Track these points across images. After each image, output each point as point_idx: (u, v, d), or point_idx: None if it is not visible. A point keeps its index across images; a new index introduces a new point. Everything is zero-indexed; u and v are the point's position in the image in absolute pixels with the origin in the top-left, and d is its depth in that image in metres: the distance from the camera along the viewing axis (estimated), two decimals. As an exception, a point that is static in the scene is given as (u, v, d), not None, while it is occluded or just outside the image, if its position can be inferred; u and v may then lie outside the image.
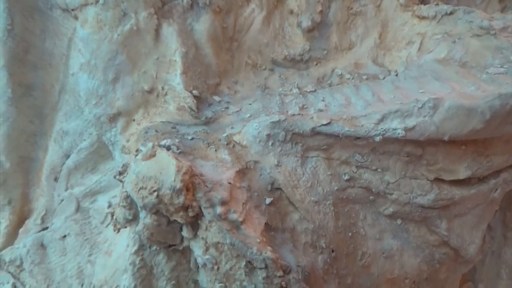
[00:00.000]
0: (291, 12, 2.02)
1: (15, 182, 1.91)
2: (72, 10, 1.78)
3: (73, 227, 1.76)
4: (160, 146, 1.45)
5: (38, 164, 1.94)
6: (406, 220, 1.65)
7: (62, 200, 1.85)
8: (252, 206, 1.40)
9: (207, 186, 1.32)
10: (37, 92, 1.88)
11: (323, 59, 2.04)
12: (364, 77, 1.94)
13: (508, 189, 1.78)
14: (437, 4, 2.01)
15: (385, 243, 1.65)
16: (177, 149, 1.47)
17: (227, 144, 1.58)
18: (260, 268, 1.28)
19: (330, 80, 1.97)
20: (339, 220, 1.56)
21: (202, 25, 1.83)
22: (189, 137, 1.60)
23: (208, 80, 1.83)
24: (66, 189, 1.86)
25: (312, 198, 1.52)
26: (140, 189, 1.29)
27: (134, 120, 1.76)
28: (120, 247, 1.62)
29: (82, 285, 1.67)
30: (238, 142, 1.57)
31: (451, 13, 1.91)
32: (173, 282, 1.44)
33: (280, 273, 1.28)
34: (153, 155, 1.36)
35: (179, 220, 1.29)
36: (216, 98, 1.81)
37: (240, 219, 1.30)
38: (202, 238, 1.31)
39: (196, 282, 1.46)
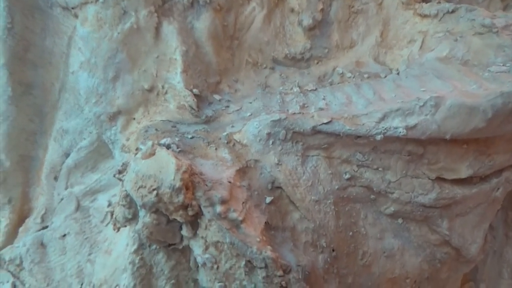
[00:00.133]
0: (292, 10, 2.01)
1: (15, 181, 1.91)
2: (72, 8, 1.77)
3: (73, 226, 1.76)
4: (160, 144, 1.44)
5: (38, 163, 1.94)
6: (407, 219, 1.64)
7: (62, 199, 1.84)
8: (252, 205, 1.40)
9: (206, 185, 1.31)
10: (37, 90, 1.88)
11: (324, 58, 2.03)
12: (366, 75, 1.93)
13: (510, 188, 1.77)
14: (439, 2, 2.00)
15: (386, 242, 1.64)
16: (177, 148, 1.47)
17: (227, 143, 1.57)
18: (260, 268, 1.27)
19: (331, 78, 1.96)
20: (340, 219, 1.56)
21: (203, 23, 1.82)
22: (189, 136, 1.59)
23: (209, 79, 1.82)
24: (66, 188, 1.86)
25: (312, 197, 1.51)
26: (139, 187, 1.28)
27: (134, 118, 1.75)
28: (120, 246, 1.61)
29: (82, 284, 1.67)
30: (238, 140, 1.56)
31: (453, 11, 1.90)
32: (172, 281, 1.43)
33: (280, 272, 1.27)
34: (152, 154, 1.35)
35: (178, 219, 1.29)
36: (217, 96, 1.80)
37: (240, 218, 1.30)
38: (202, 237, 1.31)
39: (196, 281, 1.45)
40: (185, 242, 1.37)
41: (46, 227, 1.82)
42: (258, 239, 1.28)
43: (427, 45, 1.91)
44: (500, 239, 2.17)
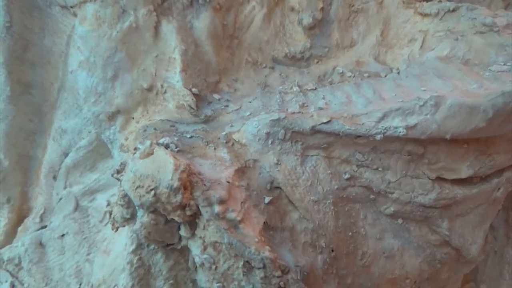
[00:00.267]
0: (292, 9, 2.00)
1: (14, 181, 1.91)
2: (71, 7, 1.77)
3: (71, 226, 1.76)
4: (158, 144, 1.44)
5: (37, 163, 1.94)
6: (407, 219, 1.63)
7: (61, 199, 1.84)
8: (250, 205, 1.39)
9: (205, 185, 1.30)
10: (36, 90, 1.88)
11: (324, 57, 2.02)
12: (366, 75, 1.92)
13: (511, 188, 1.75)
14: (440, 1, 1.99)
15: (385, 242, 1.63)
16: (176, 148, 1.46)
17: (226, 142, 1.56)
18: (258, 268, 1.26)
19: (331, 78, 1.95)
20: (339, 219, 1.55)
21: (202, 22, 1.81)
22: (188, 136, 1.58)
23: (208, 78, 1.82)
24: (65, 188, 1.86)
25: (311, 197, 1.50)
26: (137, 187, 1.27)
27: (133, 118, 1.75)
28: (118, 246, 1.61)
29: (80, 284, 1.67)
30: (237, 140, 1.55)
31: (454, 10, 1.89)
32: (171, 281, 1.43)
33: (278, 273, 1.26)
34: (150, 153, 1.35)
35: (176, 219, 1.28)
36: (216, 96, 1.79)
37: (238, 218, 1.29)
38: (200, 237, 1.30)
39: (194, 281, 1.44)
40: (183, 242, 1.37)
41: (45, 226, 1.81)
42: (256, 239, 1.28)
43: (427, 44, 1.90)
44: (501, 240, 2.15)
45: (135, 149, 1.47)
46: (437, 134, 1.49)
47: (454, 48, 1.78)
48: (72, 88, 1.82)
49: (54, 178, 1.89)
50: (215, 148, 1.53)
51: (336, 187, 1.55)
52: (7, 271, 1.74)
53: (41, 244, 1.75)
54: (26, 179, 1.94)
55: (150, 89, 1.73)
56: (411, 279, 1.68)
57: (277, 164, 1.50)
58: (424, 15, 1.95)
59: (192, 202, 1.27)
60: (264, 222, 1.38)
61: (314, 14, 1.96)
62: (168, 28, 1.74)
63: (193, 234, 1.32)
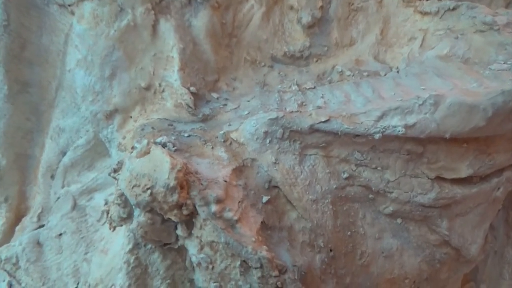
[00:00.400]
0: (291, 7, 1.98)
1: (11, 180, 1.90)
2: (69, 5, 1.76)
3: (69, 225, 1.75)
4: (155, 143, 1.43)
5: (34, 162, 1.93)
6: (406, 219, 1.62)
7: (59, 198, 1.83)
8: (248, 205, 1.38)
9: (202, 184, 1.29)
10: (33, 89, 1.87)
11: (324, 56, 2.01)
12: (365, 73, 1.90)
13: (511, 187, 1.74)
14: (440, 0, 1.98)
15: (384, 242, 1.62)
16: (173, 146, 1.45)
17: (224, 141, 1.55)
18: (255, 268, 1.25)
19: (330, 77, 1.94)
20: (338, 219, 1.54)
21: (200, 21, 1.80)
22: (186, 134, 1.57)
23: (206, 77, 1.81)
24: (63, 187, 1.85)
25: (310, 197, 1.49)
26: (133, 186, 1.27)
27: (131, 117, 1.74)
28: (116, 245, 1.60)
29: (78, 283, 1.66)
30: (235, 139, 1.55)
31: (454, 9, 1.87)
32: (168, 281, 1.42)
33: (275, 272, 1.26)
34: (147, 152, 1.34)
35: (173, 218, 1.27)
36: (214, 95, 1.78)
37: (236, 218, 1.28)
38: (197, 237, 1.29)
39: (192, 281, 1.44)
40: (180, 242, 1.36)
41: (43, 226, 1.81)
42: (253, 239, 1.27)
43: (427, 43, 1.89)
44: (501, 239, 2.14)
45: (132, 148, 1.46)
46: (436, 133, 1.48)
47: (454, 47, 1.77)
48: (70, 87, 1.81)
49: (52, 177, 1.88)
50: (212, 147, 1.52)
51: (334, 186, 1.54)
52: (5, 270, 1.73)
53: (38, 243, 1.74)
54: (23, 178, 1.93)
55: (148, 88, 1.73)
56: (410, 279, 1.67)
57: (275, 163, 1.49)
58: (424, 13, 1.94)
59: (188, 202, 1.26)
60: (261, 222, 1.38)
61: (313, 12, 1.95)
62: (166, 27, 1.73)
63: (190, 234, 1.31)
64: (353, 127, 1.48)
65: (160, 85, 1.73)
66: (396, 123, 1.48)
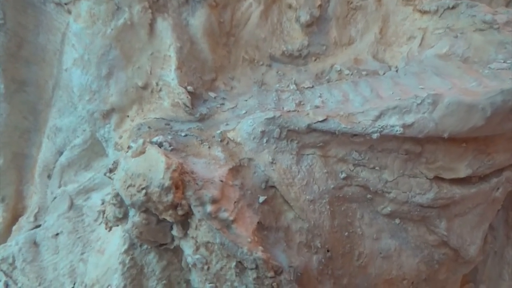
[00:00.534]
0: (290, 6, 1.97)
1: (8, 179, 1.90)
2: (65, 4, 1.75)
3: (66, 225, 1.74)
4: (151, 142, 1.42)
5: (32, 161, 1.92)
6: (405, 219, 1.61)
7: (55, 198, 1.82)
8: (244, 205, 1.37)
9: (197, 184, 1.28)
10: (30, 88, 1.86)
11: (322, 55, 1.99)
12: (364, 73, 1.89)
13: (510, 188, 1.73)
14: (439, -2, 1.96)
15: (382, 242, 1.61)
16: (170, 146, 1.44)
17: (221, 141, 1.54)
18: (251, 269, 1.24)
19: (328, 76, 1.93)
20: (335, 219, 1.53)
21: (198, 19, 1.79)
22: (183, 134, 1.56)
23: (204, 76, 1.80)
24: (59, 186, 1.84)
25: (307, 197, 1.48)
26: (128, 186, 1.26)
27: (128, 116, 1.73)
28: (112, 245, 1.59)
29: (74, 283, 1.65)
30: (232, 139, 1.53)
31: (453, 7, 1.86)
32: (164, 281, 1.42)
33: (271, 273, 1.25)
34: (143, 152, 1.33)
35: (168, 218, 1.26)
36: (212, 94, 1.77)
37: (231, 218, 1.27)
38: (192, 237, 1.28)
39: (188, 281, 1.43)
40: (176, 242, 1.35)
41: (39, 225, 1.80)
42: (249, 240, 1.26)
43: (427, 41, 1.88)
44: (500, 240, 2.13)
45: (128, 147, 1.45)
46: (434, 133, 1.47)
47: (453, 46, 1.76)
48: (66, 86, 1.80)
49: (49, 176, 1.87)
50: (209, 147, 1.51)
51: (332, 186, 1.53)
52: (1, 270, 1.73)
53: (35, 243, 1.73)
54: (20, 177, 1.93)
55: (145, 87, 1.72)
56: (408, 280, 1.66)
57: (272, 163, 1.48)
58: (423, 12, 1.93)
59: (184, 202, 1.25)
60: (258, 222, 1.36)
61: (311, 11, 1.93)
62: (164, 26, 1.72)
63: (185, 234, 1.30)
64: (351, 127, 1.47)
65: (157, 84, 1.72)
66: (394, 123, 1.46)
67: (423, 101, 1.46)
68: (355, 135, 1.49)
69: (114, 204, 1.36)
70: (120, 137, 1.69)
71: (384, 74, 1.84)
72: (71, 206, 1.78)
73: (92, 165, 1.85)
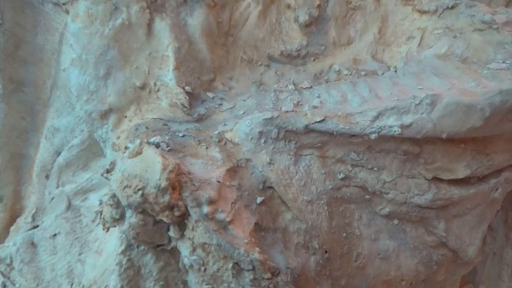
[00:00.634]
0: (288, 6, 1.96)
1: (6, 179, 1.90)
2: (63, 4, 1.74)
3: (63, 226, 1.74)
4: (148, 143, 1.41)
5: (29, 161, 1.92)
6: (403, 220, 1.60)
7: (53, 198, 1.82)
8: (241, 206, 1.36)
9: (194, 185, 1.28)
10: (28, 88, 1.86)
11: (321, 55, 1.99)
12: (363, 73, 1.89)
13: (510, 188, 1.72)
14: (439, -2, 1.95)
15: (381, 243, 1.60)
16: (167, 147, 1.43)
17: (218, 141, 1.53)
18: (248, 270, 1.24)
19: (327, 76, 1.92)
20: (333, 220, 1.52)
21: (196, 19, 1.78)
22: (180, 134, 1.56)
23: (202, 76, 1.79)
24: (57, 187, 1.84)
25: (305, 198, 1.48)
26: (125, 187, 1.25)
27: (126, 116, 1.72)
28: (110, 246, 1.59)
29: (72, 284, 1.65)
30: (230, 139, 1.53)
31: (452, 7, 1.85)
32: (161, 282, 1.41)
33: (268, 275, 1.24)
34: (140, 153, 1.32)
35: (164, 219, 1.26)
36: (210, 94, 1.77)
37: (228, 219, 1.26)
38: (189, 238, 1.28)
39: (185, 282, 1.42)
40: (173, 243, 1.34)
41: (37, 226, 1.80)
42: (246, 241, 1.25)
43: (425, 41, 1.87)
44: (500, 241, 2.12)
45: (126, 148, 1.45)
46: (433, 133, 1.46)
47: (452, 46, 1.75)
48: (64, 86, 1.80)
49: (47, 177, 1.87)
50: (207, 147, 1.51)
51: (330, 187, 1.52)
52: (-1, 271, 1.73)
53: (32, 244, 1.73)
54: (18, 178, 1.93)
55: (143, 87, 1.71)
56: (407, 281, 1.65)
57: (270, 163, 1.48)
58: (423, 12, 1.92)
59: (180, 203, 1.24)
60: (255, 223, 1.36)
61: (310, 11, 1.93)
62: (162, 26, 1.72)
63: (182, 235, 1.29)
64: (349, 127, 1.47)
65: (155, 84, 1.71)
66: (392, 123, 1.46)
67: (421, 101, 1.45)
68: (353, 135, 1.48)
69: (111, 205, 1.36)
70: (118, 138, 1.69)
71: (383, 74, 1.83)
72: (69, 206, 1.78)
73: (90, 166, 1.84)
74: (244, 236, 1.26)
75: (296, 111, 1.55)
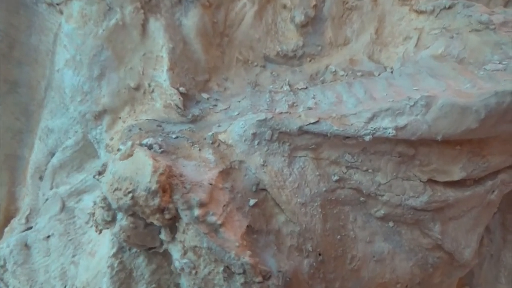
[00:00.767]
0: (284, 6, 1.95)
1: (0, 181, 1.89)
2: (57, 4, 1.73)
3: (57, 227, 1.73)
4: (141, 145, 1.40)
5: (24, 162, 1.91)
6: (398, 222, 1.59)
7: (47, 200, 1.81)
8: (234, 208, 1.35)
9: (185, 187, 1.27)
10: (22, 89, 1.85)
11: (317, 55, 1.97)
12: (359, 73, 1.87)
13: (506, 190, 1.70)
14: (436, -2, 1.94)
15: (376, 246, 1.59)
16: (160, 148, 1.42)
17: (212, 143, 1.52)
18: (239, 273, 1.23)
19: (323, 76, 1.91)
20: (327, 222, 1.51)
21: (191, 20, 1.77)
22: (173, 136, 1.55)
23: (197, 77, 1.78)
24: (51, 188, 1.83)
25: (299, 200, 1.46)
26: (115, 190, 1.24)
27: (120, 118, 1.71)
28: (103, 248, 1.58)
29: (65, 286, 1.64)
30: (223, 141, 1.52)
31: (449, 7, 1.84)
32: (153, 285, 1.40)
33: (259, 278, 1.23)
34: (131, 155, 1.31)
35: (155, 222, 1.25)
36: (205, 95, 1.75)
37: (219, 222, 1.25)
38: (180, 242, 1.27)
39: (178, 285, 1.42)
40: (164, 246, 1.33)
41: (31, 228, 1.79)
42: (237, 244, 1.24)
43: (422, 42, 1.85)
44: (497, 243, 2.10)
45: (118, 149, 1.44)
46: (428, 135, 1.45)
47: (449, 46, 1.73)
48: (58, 87, 1.79)
49: (41, 178, 1.86)
50: (200, 149, 1.49)
51: (324, 189, 1.51)
52: (-7, 272, 1.72)
53: (26, 246, 1.72)
54: (13, 179, 1.92)
55: (137, 88, 1.70)
56: (402, 284, 1.64)
57: (263, 165, 1.47)
58: (420, 12, 1.90)
59: (171, 205, 1.23)
60: (247, 226, 1.34)
61: (306, 11, 1.91)
62: (156, 26, 1.70)
63: (173, 238, 1.28)
64: (343, 129, 1.45)
65: (149, 85, 1.70)
66: (386, 125, 1.44)
67: (416, 103, 1.44)
68: (348, 137, 1.47)
69: (103, 207, 1.35)
70: (112, 139, 1.68)
71: (379, 75, 1.82)
72: (63, 208, 1.77)
73: (84, 167, 1.83)
74: (235, 239, 1.25)
75: (290, 113, 1.54)
